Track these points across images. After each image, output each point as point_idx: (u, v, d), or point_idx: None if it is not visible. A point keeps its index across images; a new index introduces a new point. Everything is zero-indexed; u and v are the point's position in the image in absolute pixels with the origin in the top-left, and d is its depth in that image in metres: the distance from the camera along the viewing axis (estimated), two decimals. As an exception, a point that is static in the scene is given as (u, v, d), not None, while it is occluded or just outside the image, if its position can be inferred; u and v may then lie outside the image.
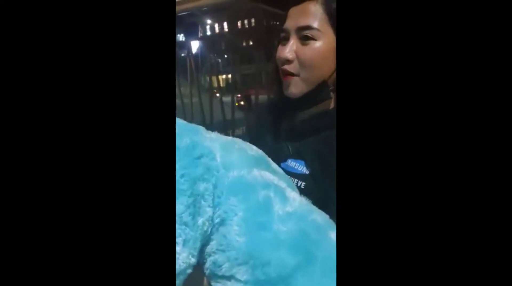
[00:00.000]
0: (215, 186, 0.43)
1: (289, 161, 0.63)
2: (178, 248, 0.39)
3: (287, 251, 0.42)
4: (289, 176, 0.56)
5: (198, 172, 0.42)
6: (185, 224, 0.39)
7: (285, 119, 0.67)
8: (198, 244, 0.41)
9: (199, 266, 0.45)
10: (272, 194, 0.45)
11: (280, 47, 0.65)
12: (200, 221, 0.41)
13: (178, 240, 0.39)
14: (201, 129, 0.48)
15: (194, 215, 0.40)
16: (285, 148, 0.62)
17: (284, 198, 0.45)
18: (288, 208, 0.45)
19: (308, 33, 0.61)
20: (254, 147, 0.51)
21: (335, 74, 0.61)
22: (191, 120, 0.50)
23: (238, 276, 0.42)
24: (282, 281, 0.41)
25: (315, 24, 0.60)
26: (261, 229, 0.43)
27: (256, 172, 0.47)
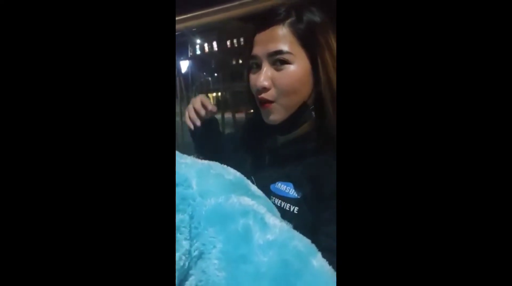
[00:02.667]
0: (191, 217, 0.41)
1: (278, 183, 0.61)
2: None
3: (268, 284, 0.40)
4: (269, 200, 0.55)
5: (176, 201, 0.41)
6: None
7: (269, 142, 0.66)
8: (178, 280, 0.40)
9: None
10: (251, 222, 0.43)
11: (252, 76, 0.64)
12: (176, 256, 0.39)
13: None
14: (177, 154, 0.46)
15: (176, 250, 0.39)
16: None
17: (264, 225, 0.44)
18: (269, 236, 0.43)
19: (280, 57, 0.60)
20: (232, 171, 0.50)
21: (313, 94, 0.61)
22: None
23: None
24: None
25: (286, 48, 0.59)
26: (241, 262, 0.41)
27: (234, 199, 0.45)
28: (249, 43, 0.64)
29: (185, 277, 0.41)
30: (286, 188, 0.59)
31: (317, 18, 0.60)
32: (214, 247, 0.41)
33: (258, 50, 0.62)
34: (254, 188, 0.50)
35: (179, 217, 0.40)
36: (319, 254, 0.43)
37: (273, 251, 0.42)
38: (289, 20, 0.60)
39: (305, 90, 0.60)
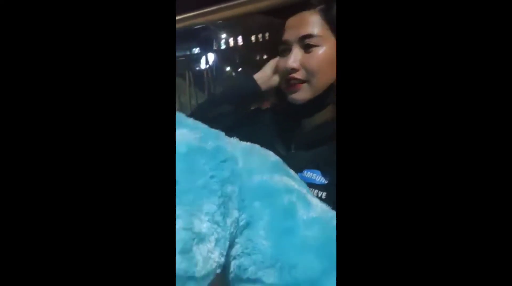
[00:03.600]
0: (240, 189, 0.44)
1: (305, 172, 0.64)
2: (210, 246, 0.40)
3: (314, 255, 0.43)
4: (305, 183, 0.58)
5: (226, 174, 0.44)
6: (217, 223, 0.41)
7: (295, 129, 0.68)
8: (227, 244, 0.43)
9: (223, 270, 0.46)
10: (295, 199, 0.46)
11: (281, 59, 0.70)
12: (228, 222, 0.42)
13: (211, 238, 0.40)
14: (222, 134, 0.50)
15: (224, 216, 0.42)
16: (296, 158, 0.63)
17: (307, 204, 0.47)
18: (312, 213, 0.46)
19: (310, 41, 0.66)
20: (272, 153, 0.53)
21: None
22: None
23: (264, 279, 0.43)
24: (309, 283, 0.42)
25: (316, 32, 0.66)
26: (287, 233, 0.44)
27: (277, 177, 0.48)
28: (280, 31, 0.70)
29: (232, 244, 0.44)
30: (313, 175, 0.64)
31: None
32: (261, 219, 0.44)
33: (289, 34, 0.68)
34: (292, 172, 0.53)
35: (231, 188, 0.43)
36: None
37: (317, 227, 0.45)
38: (320, 7, 0.66)
39: (332, 72, 0.66)
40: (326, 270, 0.43)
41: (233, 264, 0.45)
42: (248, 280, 0.44)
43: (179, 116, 0.47)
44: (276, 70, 0.74)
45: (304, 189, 0.49)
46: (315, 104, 0.69)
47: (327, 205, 0.52)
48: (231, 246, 0.44)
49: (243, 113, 0.77)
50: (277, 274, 0.43)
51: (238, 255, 0.44)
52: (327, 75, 0.67)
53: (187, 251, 0.37)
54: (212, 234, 0.40)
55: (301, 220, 0.45)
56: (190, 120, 0.48)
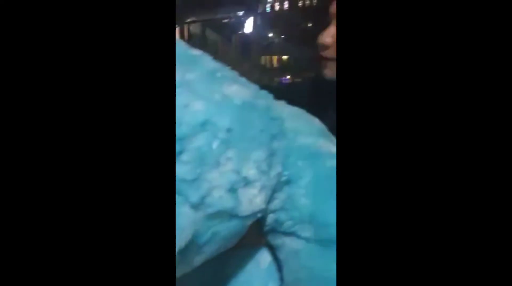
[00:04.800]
0: (285, 146, 0.45)
1: None
2: (255, 192, 0.41)
3: None
4: None
5: (274, 130, 0.44)
6: (263, 172, 0.42)
7: (328, 106, 0.68)
8: (269, 193, 0.44)
9: (258, 222, 0.47)
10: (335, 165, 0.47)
11: (321, 33, 0.65)
12: (272, 173, 0.43)
13: (256, 184, 0.41)
14: (271, 95, 0.50)
15: (270, 166, 0.43)
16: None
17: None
18: None
19: None
20: (318, 120, 0.53)
21: None
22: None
23: (300, 233, 0.44)
24: None
25: None
26: (327, 195, 0.44)
27: (322, 142, 0.48)
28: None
29: (271, 198, 0.45)
30: None
31: None
32: (302, 178, 0.45)
33: (332, 8, 0.63)
34: (335, 139, 0.52)
35: (277, 143, 0.44)
36: None
37: None
38: None
39: None
40: None
41: (271, 217, 0.46)
42: (284, 233, 0.46)
43: (232, 73, 0.48)
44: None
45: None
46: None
47: None
48: (271, 200, 0.45)
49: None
50: (313, 230, 0.44)
51: (277, 209, 0.45)
52: None
53: (234, 191, 0.39)
54: (258, 181, 0.41)
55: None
56: (242, 79, 0.49)
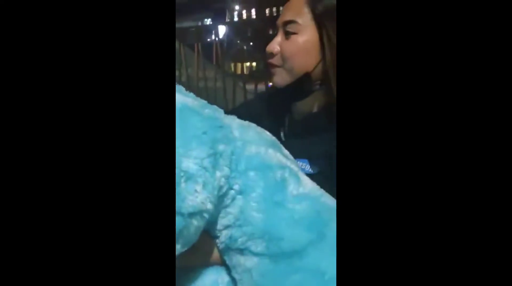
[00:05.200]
0: (232, 153, 0.45)
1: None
2: (198, 188, 0.40)
3: (301, 228, 0.44)
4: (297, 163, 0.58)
5: (219, 135, 0.44)
6: (205, 169, 0.41)
7: (285, 118, 0.70)
8: (215, 194, 0.43)
9: (212, 239, 0.47)
10: (287, 175, 0.47)
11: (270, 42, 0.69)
12: (218, 174, 0.43)
13: (199, 180, 0.40)
14: (221, 110, 0.50)
15: (213, 165, 0.42)
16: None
17: (298, 180, 0.47)
18: (302, 189, 0.47)
19: (290, 27, 0.64)
20: (267, 132, 0.53)
21: (319, 68, 0.64)
22: (214, 103, 0.51)
23: (252, 249, 0.44)
24: (295, 254, 0.44)
25: (298, 19, 0.63)
26: (278, 207, 0.45)
27: (272, 152, 0.48)
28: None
29: (224, 214, 0.45)
30: (302, 165, 0.62)
31: (334, 1, 0.62)
32: (254, 191, 0.45)
33: (280, 18, 0.66)
34: (286, 151, 0.53)
35: (222, 147, 0.43)
36: None
37: (306, 202, 0.46)
38: None
39: (309, 61, 0.64)
40: (312, 242, 0.44)
41: (224, 235, 0.46)
42: (237, 250, 0.46)
43: (180, 89, 0.47)
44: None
45: (296, 167, 0.50)
46: (292, 89, 0.67)
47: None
48: (222, 216, 0.45)
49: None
50: (265, 245, 0.44)
51: (230, 226, 0.45)
52: (303, 63, 0.65)
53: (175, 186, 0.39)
54: (200, 177, 0.40)
55: (290, 195, 0.46)
56: (192, 94, 0.49)
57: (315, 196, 0.47)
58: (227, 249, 0.47)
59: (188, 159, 0.40)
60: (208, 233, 0.48)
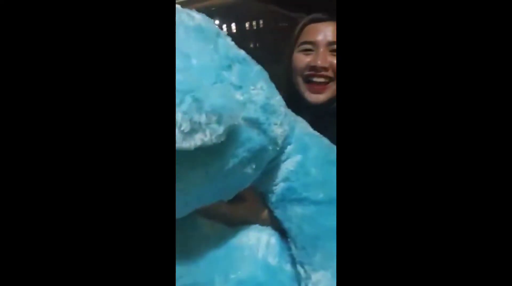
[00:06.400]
0: (289, 121, 0.52)
1: None
2: (278, 122, 0.47)
3: None
4: None
5: (282, 102, 0.51)
6: (282, 112, 0.49)
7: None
8: (283, 139, 0.49)
9: (259, 196, 0.53)
10: (331, 143, 0.55)
11: (304, 57, 0.77)
12: (285, 124, 0.49)
13: (279, 117, 0.48)
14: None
15: (285, 115, 0.50)
16: None
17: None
18: None
19: (335, 47, 0.74)
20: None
21: None
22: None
23: (312, 197, 0.50)
24: None
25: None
26: (331, 165, 0.51)
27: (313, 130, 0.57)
28: (297, 30, 0.80)
29: (282, 167, 0.51)
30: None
31: None
32: (310, 149, 0.52)
33: (316, 37, 0.76)
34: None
35: (282, 109, 0.50)
36: None
37: None
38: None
39: None
40: None
41: (282, 187, 0.51)
42: (295, 200, 0.51)
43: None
44: (295, 68, 0.81)
45: None
46: (327, 103, 0.76)
47: None
48: (281, 169, 0.51)
49: None
50: (325, 192, 0.49)
51: (288, 178, 0.51)
52: None
53: (265, 111, 0.44)
54: (280, 115, 0.47)
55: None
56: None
57: None
58: (282, 200, 0.52)
59: (275, 99, 0.48)
60: (257, 190, 0.53)
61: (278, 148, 0.49)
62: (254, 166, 0.46)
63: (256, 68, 0.48)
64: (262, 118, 0.45)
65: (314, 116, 0.74)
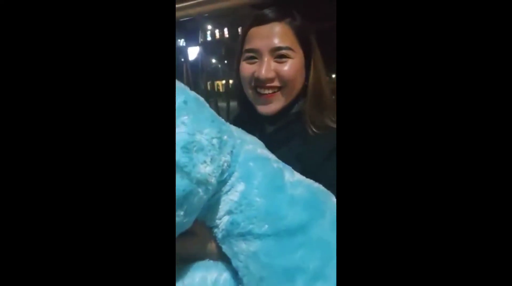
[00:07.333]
0: (233, 147, 0.49)
1: None
2: (207, 160, 0.44)
3: (301, 207, 0.48)
4: None
5: (223, 127, 0.48)
6: (213, 146, 0.45)
7: (260, 131, 0.72)
8: (219, 173, 0.46)
9: (209, 230, 0.50)
10: (281, 166, 0.52)
11: (249, 66, 0.69)
12: (222, 158, 0.46)
13: (208, 154, 0.44)
14: (217, 118, 0.54)
15: (220, 147, 0.46)
16: None
17: (291, 171, 0.53)
18: (297, 177, 0.52)
19: (283, 52, 0.66)
20: (256, 137, 0.59)
21: (304, 86, 0.69)
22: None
23: (256, 231, 0.47)
24: (298, 230, 0.47)
25: (288, 44, 0.67)
26: (278, 191, 0.49)
27: (266, 151, 0.55)
28: (243, 37, 0.71)
29: (223, 201, 0.48)
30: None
31: (310, 20, 0.69)
32: (254, 178, 0.49)
33: (258, 44, 0.68)
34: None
35: (226, 137, 0.48)
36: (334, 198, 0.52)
37: (302, 187, 0.51)
38: (288, 19, 0.68)
39: (300, 83, 0.69)
40: (314, 218, 0.48)
41: (226, 221, 0.49)
42: (239, 235, 0.48)
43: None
44: (243, 78, 0.73)
45: (285, 164, 0.55)
46: (282, 113, 0.69)
47: None
48: (224, 202, 0.48)
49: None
50: (268, 226, 0.47)
51: (231, 211, 0.48)
52: (297, 86, 0.69)
53: (188, 151, 0.42)
54: (209, 151, 0.44)
55: (288, 182, 0.50)
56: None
57: (309, 182, 0.53)
58: (228, 236, 0.49)
59: (201, 134, 0.44)
60: (206, 224, 0.50)
61: (211, 187, 0.46)
62: (182, 213, 0.43)
63: (180, 100, 0.45)
64: (183, 160, 0.42)
65: (274, 127, 0.70)
